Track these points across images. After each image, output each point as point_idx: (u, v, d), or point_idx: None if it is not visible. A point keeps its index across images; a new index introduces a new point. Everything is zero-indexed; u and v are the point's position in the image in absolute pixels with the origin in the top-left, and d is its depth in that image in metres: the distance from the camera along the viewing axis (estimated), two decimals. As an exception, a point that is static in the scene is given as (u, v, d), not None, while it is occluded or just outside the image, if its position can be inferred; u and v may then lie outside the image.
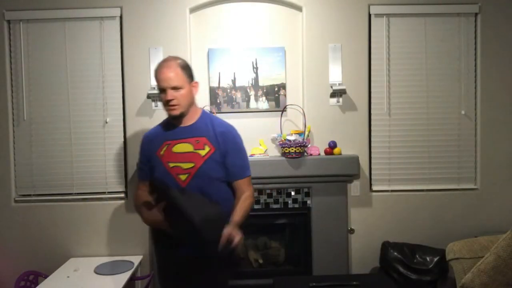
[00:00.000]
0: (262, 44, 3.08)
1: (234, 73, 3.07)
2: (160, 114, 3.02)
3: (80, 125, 3.03)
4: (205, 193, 1.72)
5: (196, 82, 1.84)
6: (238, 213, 1.75)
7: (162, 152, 1.79)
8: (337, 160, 2.89)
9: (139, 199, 1.82)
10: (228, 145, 1.83)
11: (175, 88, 1.72)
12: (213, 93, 3.07)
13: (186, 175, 1.75)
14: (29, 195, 3.04)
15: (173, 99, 1.71)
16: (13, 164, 3.03)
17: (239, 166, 1.86)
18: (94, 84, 3.03)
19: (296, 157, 2.86)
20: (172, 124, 1.84)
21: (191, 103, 1.83)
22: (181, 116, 1.78)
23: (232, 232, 1.62)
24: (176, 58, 1.81)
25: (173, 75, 1.72)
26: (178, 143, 1.78)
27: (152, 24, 2.99)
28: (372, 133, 3.08)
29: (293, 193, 3.02)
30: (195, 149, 1.77)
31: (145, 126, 3.01)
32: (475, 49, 3.08)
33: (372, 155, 3.09)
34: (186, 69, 1.79)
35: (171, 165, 1.76)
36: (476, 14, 3.06)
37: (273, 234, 3.19)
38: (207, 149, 1.77)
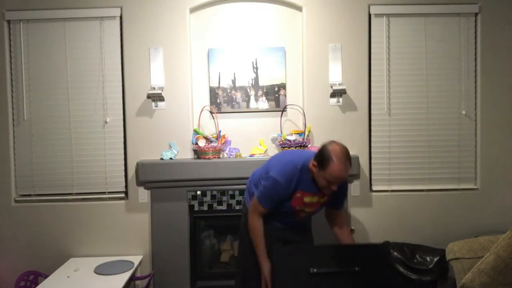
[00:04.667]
0: (262, 44, 3.08)
1: (234, 73, 3.08)
2: (160, 114, 3.02)
3: (80, 125, 3.04)
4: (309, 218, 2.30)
5: None
6: (350, 237, 2.27)
7: (293, 197, 2.07)
8: (337, 160, 2.89)
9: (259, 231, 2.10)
10: (342, 190, 2.14)
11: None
12: (213, 93, 3.07)
13: (305, 214, 2.17)
14: (29, 195, 3.04)
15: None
16: (13, 164, 3.03)
17: (344, 202, 2.29)
18: (94, 84, 3.03)
19: (296, 157, 2.86)
20: (309, 178, 2.04)
21: None
22: None
23: None
24: (348, 156, 1.97)
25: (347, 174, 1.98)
26: (310, 196, 2.08)
27: (152, 24, 3.00)
28: (372, 133, 3.09)
29: (293, 193, 3.03)
30: (319, 199, 2.11)
31: (145, 126, 3.02)
32: (475, 49, 3.08)
33: (372, 155, 3.09)
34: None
35: (298, 208, 2.11)
36: (476, 14, 3.06)
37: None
38: (325, 198, 2.12)
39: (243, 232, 2.25)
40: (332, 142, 2.00)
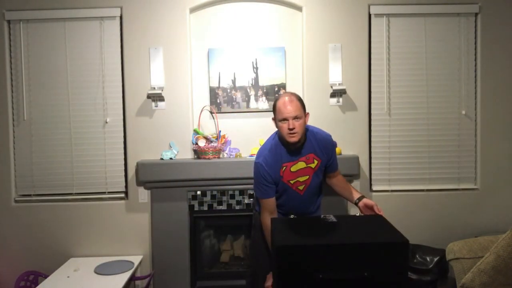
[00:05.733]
0: (262, 44, 3.08)
1: (234, 73, 3.08)
2: (160, 114, 3.02)
3: (80, 125, 3.04)
4: (314, 193, 2.19)
5: (308, 113, 2.07)
6: (354, 190, 2.23)
7: (281, 174, 2.07)
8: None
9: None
10: (328, 151, 2.15)
11: (295, 118, 1.96)
12: (213, 93, 3.07)
13: (303, 185, 2.13)
14: (29, 195, 3.04)
15: (294, 128, 1.96)
16: (13, 164, 3.03)
17: (337, 163, 2.25)
18: (94, 84, 3.03)
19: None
20: (284, 148, 2.08)
21: (305, 130, 2.07)
22: (298, 142, 2.02)
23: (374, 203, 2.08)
24: (293, 93, 2.06)
25: (295, 107, 1.98)
26: (294, 164, 2.08)
27: (152, 24, 3.00)
28: (372, 133, 3.09)
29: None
30: (307, 164, 2.10)
31: (145, 126, 3.02)
32: (475, 49, 3.08)
33: (372, 155, 3.09)
34: (302, 102, 2.04)
35: (292, 181, 2.10)
36: (476, 14, 3.06)
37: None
38: (315, 162, 2.11)
39: (254, 234, 2.27)
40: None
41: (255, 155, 2.14)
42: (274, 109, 2.03)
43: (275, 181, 2.07)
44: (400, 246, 1.66)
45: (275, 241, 1.70)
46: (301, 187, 2.14)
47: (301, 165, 2.09)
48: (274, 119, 2.05)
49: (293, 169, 2.08)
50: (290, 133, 1.97)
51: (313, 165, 2.11)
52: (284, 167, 2.07)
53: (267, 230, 2.06)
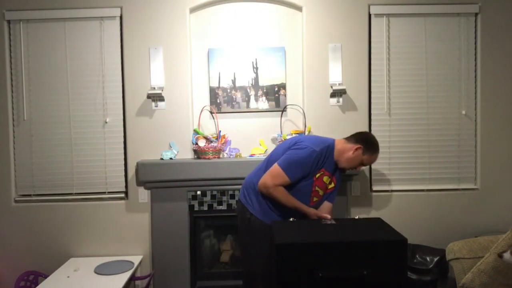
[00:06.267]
0: (262, 44, 3.08)
1: (234, 73, 3.08)
2: (160, 114, 3.02)
3: (80, 125, 3.04)
4: (316, 208, 2.23)
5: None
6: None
7: (317, 176, 2.15)
8: (337, 160, 2.89)
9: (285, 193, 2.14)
10: (339, 181, 2.35)
11: None
12: (213, 93, 3.07)
13: (317, 198, 2.22)
14: (29, 195, 3.04)
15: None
16: (13, 164, 3.03)
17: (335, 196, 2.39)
18: (94, 84, 3.03)
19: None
20: (333, 160, 2.18)
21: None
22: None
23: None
24: None
25: None
26: (328, 177, 2.19)
27: (152, 24, 3.00)
28: (372, 133, 3.08)
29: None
30: (330, 183, 2.24)
31: (145, 126, 3.02)
32: (475, 49, 3.08)
33: (372, 155, 3.09)
34: None
35: (316, 188, 2.18)
36: (476, 14, 3.06)
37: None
38: (333, 184, 2.27)
39: (248, 235, 2.21)
40: (370, 132, 2.43)
41: (308, 143, 2.14)
42: (371, 149, 2.19)
43: (309, 175, 2.12)
44: (398, 244, 1.67)
45: (275, 239, 1.70)
46: (315, 199, 2.21)
47: (329, 182, 2.22)
48: (362, 150, 2.16)
49: (325, 179, 2.18)
50: (357, 169, 2.24)
51: (330, 186, 2.26)
52: (322, 172, 2.15)
53: (280, 195, 2.09)
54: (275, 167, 2.09)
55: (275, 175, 2.08)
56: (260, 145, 3.07)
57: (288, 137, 2.90)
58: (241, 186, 2.34)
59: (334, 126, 3.04)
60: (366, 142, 2.18)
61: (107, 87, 3.03)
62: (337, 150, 2.17)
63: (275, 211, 2.16)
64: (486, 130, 3.08)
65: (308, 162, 2.08)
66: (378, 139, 3.04)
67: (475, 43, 3.08)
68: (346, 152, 2.16)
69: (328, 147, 2.15)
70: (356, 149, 2.15)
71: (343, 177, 2.96)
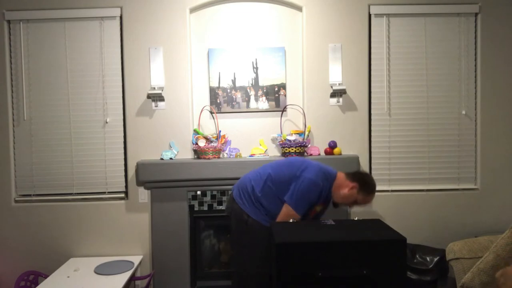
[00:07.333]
0: (262, 44, 3.08)
1: (234, 73, 3.08)
2: (160, 114, 3.02)
3: (80, 125, 3.04)
4: None
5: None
6: None
7: (317, 208, 2.26)
8: (337, 160, 2.89)
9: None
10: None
11: None
12: (213, 93, 3.08)
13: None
14: (29, 195, 3.05)
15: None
16: (13, 164, 3.03)
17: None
18: (94, 84, 3.03)
19: (296, 157, 2.86)
20: (328, 192, 2.22)
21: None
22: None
23: None
24: None
25: None
26: (320, 205, 2.26)
27: (152, 24, 3.00)
28: (372, 133, 3.09)
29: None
30: (318, 209, 2.30)
31: (145, 126, 3.02)
32: (475, 49, 3.08)
33: (372, 155, 3.09)
34: None
35: (308, 213, 2.26)
36: (476, 14, 3.06)
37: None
38: (321, 206, 2.31)
39: (246, 237, 2.20)
40: (369, 174, 2.41)
41: (310, 174, 2.16)
42: (367, 189, 2.18)
43: (311, 207, 2.19)
44: (397, 244, 1.67)
45: (275, 239, 1.70)
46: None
47: (319, 208, 2.29)
48: (357, 189, 2.17)
49: (317, 208, 2.25)
50: (350, 207, 2.34)
51: (318, 208, 2.30)
52: (319, 205, 2.24)
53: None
54: (287, 208, 2.14)
55: (291, 215, 2.14)
56: (260, 145, 3.07)
57: (288, 137, 2.91)
58: (235, 185, 2.33)
59: (334, 126, 3.04)
60: (363, 182, 2.18)
61: (107, 87, 3.03)
62: (335, 184, 2.20)
63: (269, 220, 2.18)
64: (486, 130, 3.08)
65: (314, 197, 2.15)
66: (378, 139, 3.10)
67: (475, 43, 3.08)
68: (343, 188, 2.18)
69: (330, 182, 2.20)
70: (352, 187, 2.16)
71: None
